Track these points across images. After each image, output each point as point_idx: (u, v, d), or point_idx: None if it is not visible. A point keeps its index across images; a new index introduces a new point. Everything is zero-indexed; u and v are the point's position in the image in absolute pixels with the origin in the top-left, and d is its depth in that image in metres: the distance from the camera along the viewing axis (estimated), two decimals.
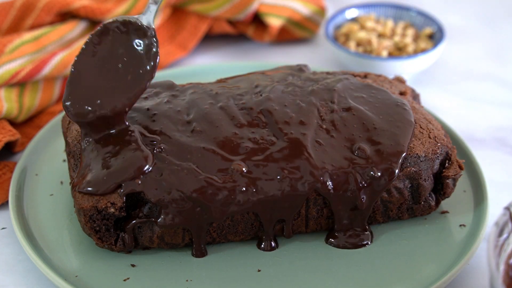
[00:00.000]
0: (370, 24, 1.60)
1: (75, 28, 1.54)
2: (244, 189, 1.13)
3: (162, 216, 1.13)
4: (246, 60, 1.62)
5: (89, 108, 1.15)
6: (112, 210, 1.12)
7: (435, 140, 1.21)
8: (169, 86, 1.28)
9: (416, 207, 1.22)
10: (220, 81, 1.31)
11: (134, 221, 1.14)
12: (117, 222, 1.14)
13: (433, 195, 1.22)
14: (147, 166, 1.14)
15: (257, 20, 1.66)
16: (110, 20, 1.18)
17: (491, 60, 1.65)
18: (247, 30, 1.66)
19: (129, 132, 1.17)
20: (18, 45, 1.45)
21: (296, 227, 1.19)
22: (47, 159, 1.32)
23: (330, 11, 1.73)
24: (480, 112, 1.51)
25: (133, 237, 1.15)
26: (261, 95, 1.25)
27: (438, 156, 1.20)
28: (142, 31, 1.18)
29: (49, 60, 1.43)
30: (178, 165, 1.14)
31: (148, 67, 1.17)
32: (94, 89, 1.16)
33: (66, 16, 1.56)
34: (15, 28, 1.54)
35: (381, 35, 1.59)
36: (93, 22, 1.57)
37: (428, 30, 1.60)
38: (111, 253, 1.17)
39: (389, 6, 1.65)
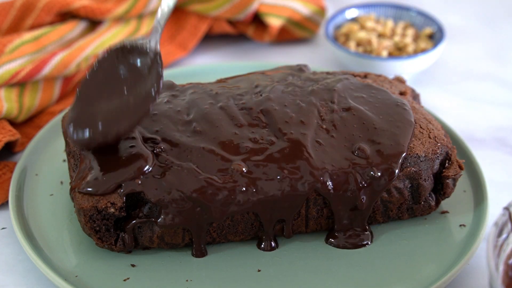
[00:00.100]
0: (370, 24, 1.60)
1: (75, 28, 1.54)
2: (244, 189, 1.13)
3: (162, 216, 1.13)
4: (246, 60, 1.62)
5: (91, 136, 1.14)
6: (112, 210, 1.12)
7: (435, 140, 1.21)
8: (169, 86, 1.28)
9: (416, 207, 1.21)
10: (220, 81, 1.31)
11: (134, 221, 1.14)
12: (117, 222, 1.14)
13: (433, 195, 1.22)
14: (147, 166, 1.14)
15: (257, 20, 1.66)
16: (116, 43, 1.19)
17: (491, 60, 1.65)
18: (247, 30, 1.66)
19: None
20: (18, 45, 1.44)
21: (296, 227, 1.19)
22: (47, 159, 1.32)
23: (330, 11, 1.73)
24: (480, 112, 1.51)
25: (133, 237, 1.15)
26: (261, 95, 1.25)
27: (438, 156, 1.20)
28: (146, 54, 1.18)
29: (49, 60, 1.42)
30: (178, 165, 1.14)
31: (152, 91, 1.16)
32: (97, 115, 1.15)
33: (66, 16, 1.56)
34: (15, 28, 1.54)
35: (381, 35, 1.59)
36: (93, 22, 1.57)
37: (428, 30, 1.60)
38: (111, 253, 1.17)
39: (389, 6, 1.64)
